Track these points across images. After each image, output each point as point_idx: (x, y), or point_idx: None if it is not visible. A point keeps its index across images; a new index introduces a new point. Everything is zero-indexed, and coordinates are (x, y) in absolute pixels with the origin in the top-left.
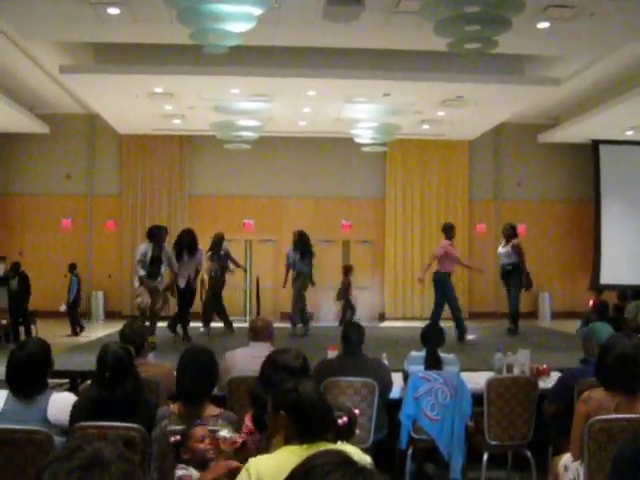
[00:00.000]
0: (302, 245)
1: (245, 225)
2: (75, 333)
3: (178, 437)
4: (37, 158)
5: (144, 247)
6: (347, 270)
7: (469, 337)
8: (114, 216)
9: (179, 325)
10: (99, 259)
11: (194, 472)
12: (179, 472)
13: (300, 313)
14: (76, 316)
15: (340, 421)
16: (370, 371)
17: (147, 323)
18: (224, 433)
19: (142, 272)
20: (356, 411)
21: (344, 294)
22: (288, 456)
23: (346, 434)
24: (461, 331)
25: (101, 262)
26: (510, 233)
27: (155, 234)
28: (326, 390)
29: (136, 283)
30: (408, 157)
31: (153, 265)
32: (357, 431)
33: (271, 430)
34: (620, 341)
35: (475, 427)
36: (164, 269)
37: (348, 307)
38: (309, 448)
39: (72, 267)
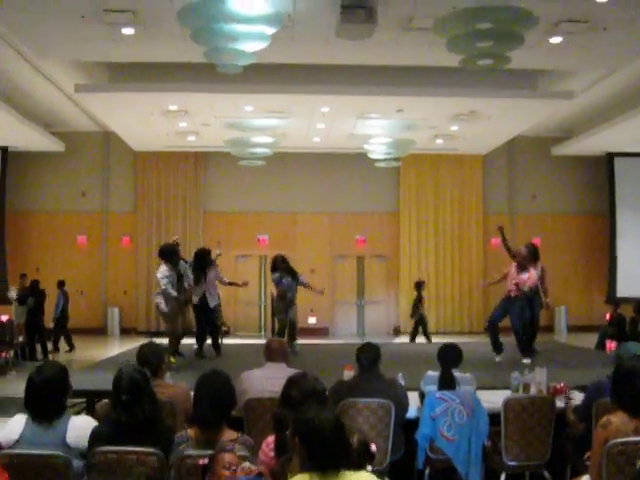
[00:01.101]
0: (290, 269)
1: (259, 241)
2: (56, 348)
3: (206, 460)
4: (53, 176)
5: (166, 270)
6: (419, 285)
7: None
8: (129, 232)
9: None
10: (114, 275)
11: None
12: None
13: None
14: (61, 333)
15: (373, 446)
16: (386, 392)
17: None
18: (247, 465)
19: (175, 293)
20: (372, 446)
21: (417, 310)
22: None
23: (364, 460)
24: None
25: (117, 278)
26: (537, 254)
27: (171, 254)
28: (343, 411)
29: (166, 308)
30: (422, 172)
31: (179, 283)
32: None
33: (292, 452)
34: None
35: (492, 447)
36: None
37: (421, 323)
38: (322, 478)
39: (61, 284)
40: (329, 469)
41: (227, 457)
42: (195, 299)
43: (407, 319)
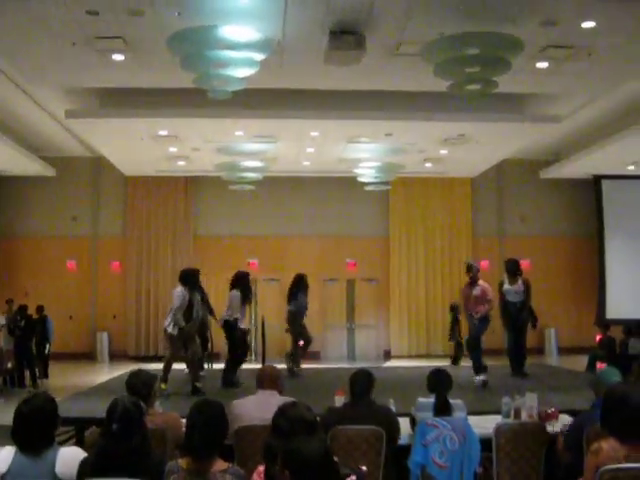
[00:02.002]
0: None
1: (250, 265)
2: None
3: None
4: (43, 200)
5: (182, 292)
6: (454, 308)
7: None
8: (119, 257)
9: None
10: (104, 300)
11: None
12: None
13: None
14: (47, 359)
15: (364, 468)
16: (378, 419)
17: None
18: None
19: (183, 322)
20: (363, 468)
21: (455, 333)
22: None
23: None
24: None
25: (106, 303)
26: (516, 269)
27: (188, 277)
28: (334, 439)
29: (172, 330)
30: (411, 195)
31: (189, 310)
32: None
33: None
34: (632, 392)
35: (484, 473)
36: (195, 314)
37: (459, 346)
38: None
39: (42, 309)
40: None
41: None
42: (245, 323)
43: (398, 342)
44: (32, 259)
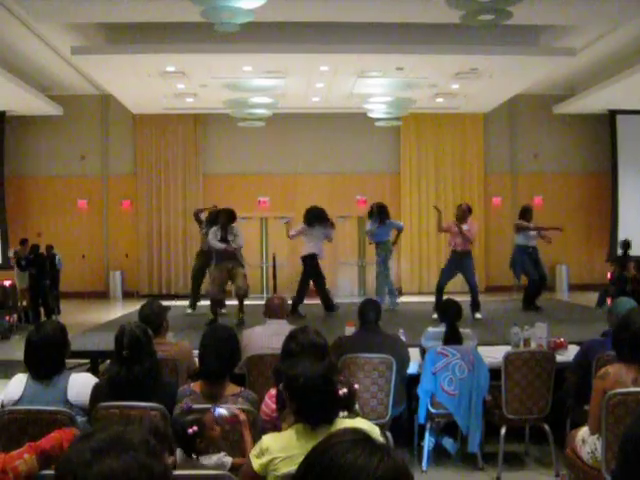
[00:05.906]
0: (380, 216)
1: (260, 203)
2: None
3: (195, 428)
4: (51, 140)
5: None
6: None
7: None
8: (129, 196)
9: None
10: (116, 239)
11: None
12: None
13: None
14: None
15: (340, 392)
16: (387, 347)
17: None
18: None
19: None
20: (355, 386)
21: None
22: (294, 436)
23: (346, 404)
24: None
25: (118, 242)
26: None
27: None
28: (344, 367)
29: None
30: (423, 131)
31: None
32: (369, 405)
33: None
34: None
35: (493, 401)
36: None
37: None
38: (314, 429)
39: (51, 248)
40: (319, 422)
41: (209, 417)
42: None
43: (409, 279)
44: (43, 199)
